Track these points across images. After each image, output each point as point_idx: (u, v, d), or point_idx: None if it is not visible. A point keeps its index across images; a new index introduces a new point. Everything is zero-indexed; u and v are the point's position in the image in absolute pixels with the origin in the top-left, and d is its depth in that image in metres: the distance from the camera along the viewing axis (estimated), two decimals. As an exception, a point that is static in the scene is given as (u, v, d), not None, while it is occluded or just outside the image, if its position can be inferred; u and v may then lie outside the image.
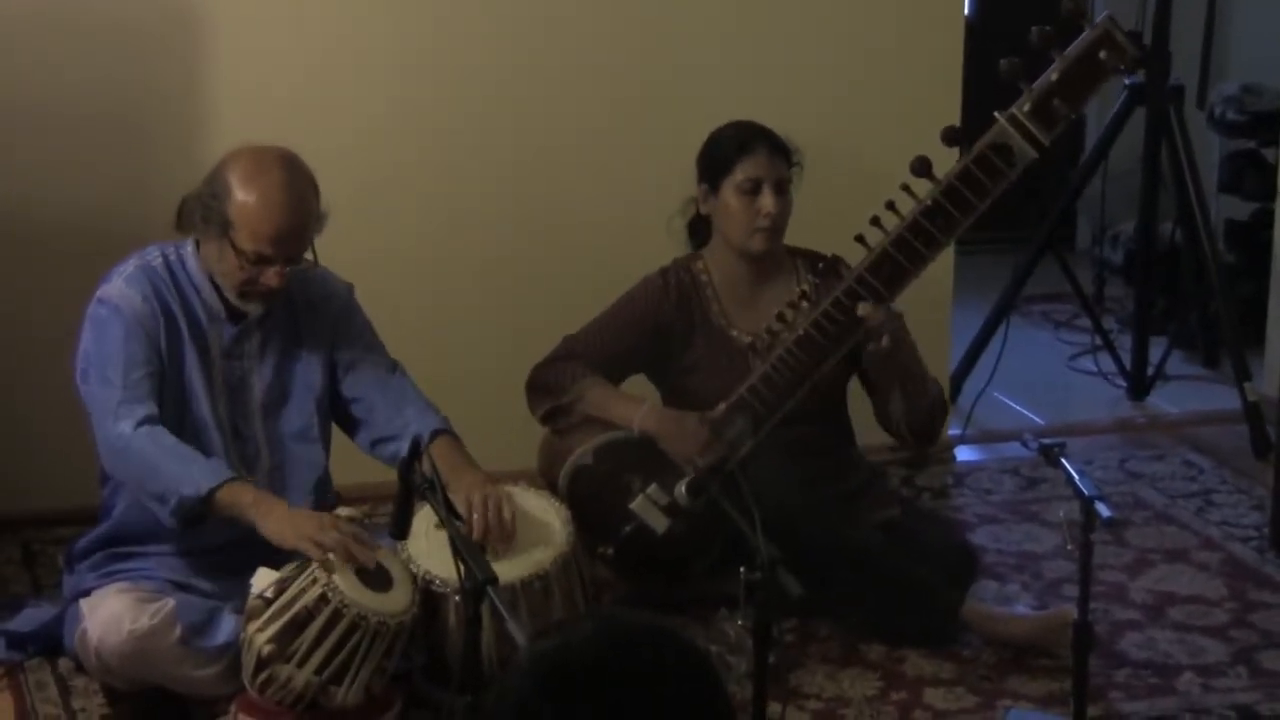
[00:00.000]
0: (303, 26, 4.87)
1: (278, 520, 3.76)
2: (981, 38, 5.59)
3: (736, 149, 4.38)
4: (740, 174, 4.37)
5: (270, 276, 3.86)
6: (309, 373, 4.06)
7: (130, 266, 3.96)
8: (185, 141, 4.78)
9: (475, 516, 3.86)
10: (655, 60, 5.11)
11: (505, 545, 3.89)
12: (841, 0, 5.22)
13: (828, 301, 4.18)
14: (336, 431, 4.16)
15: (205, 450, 3.88)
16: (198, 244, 3.95)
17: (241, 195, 3.83)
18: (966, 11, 5.52)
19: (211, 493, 3.75)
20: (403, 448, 3.55)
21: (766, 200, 4.37)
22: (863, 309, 4.13)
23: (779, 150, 4.40)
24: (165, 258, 3.98)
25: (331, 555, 3.69)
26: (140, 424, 3.80)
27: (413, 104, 4.97)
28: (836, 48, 5.23)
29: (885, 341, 4.16)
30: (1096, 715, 3.89)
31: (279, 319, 4.03)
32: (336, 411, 4.14)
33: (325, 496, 4.08)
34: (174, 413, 3.91)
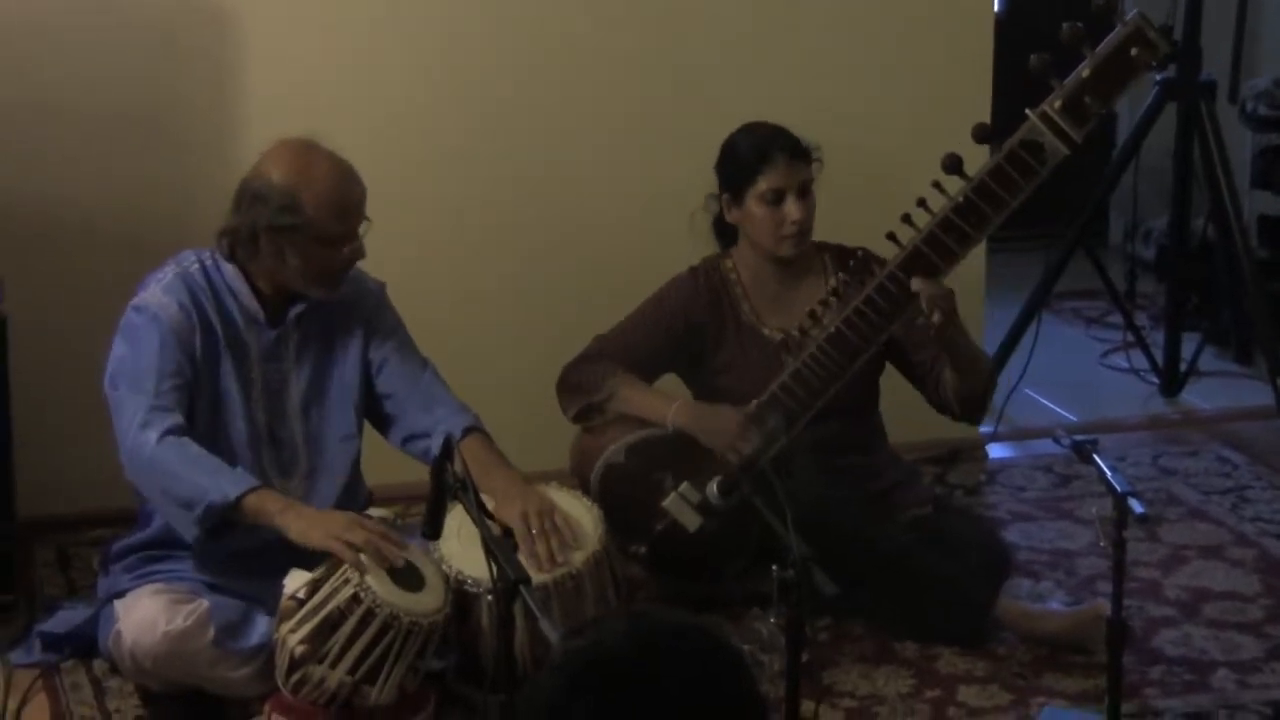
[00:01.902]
0: (330, 28, 4.88)
1: (305, 523, 3.76)
2: (1011, 33, 5.58)
3: (757, 159, 4.35)
4: (763, 184, 4.35)
5: (356, 249, 3.92)
6: (345, 373, 4.07)
7: (168, 274, 3.96)
8: (216, 141, 4.80)
9: (535, 532, 3.87)
10: (681, 58, 5.11)
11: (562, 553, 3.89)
12: (871, -3, 5.22)
13: (859, 299, 4.17)
14: (369, 432, 4.16)
15: (239, 457, 3.89)
16: (244, 270, 3.95)
17: (309, 191, 3.85)
18: (996, 7, 5.50)
19: (239, 499, 3.75)
20: (434, 445, 3.55)
21: (791, 208, 4.35)
22: (915, 284, 4.11)
23: (798, 154, 4.37)
24: (202, 264, 3.98)
25: (362, 556, 3.70)
26: (166, 433, 3.80)
27: (439, 104, 4.97)
28: (865, 44, 5.22)
29: (937, 318, 4.13)
30: (1131, 712, 3.88)
31: (315, 320, 4.04)
32: (369, 408, 4.14)
33: (357, 496, 4.09)
34: (208, 421, 3.92)
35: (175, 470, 3.78)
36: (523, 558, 3.71)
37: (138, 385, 3.86)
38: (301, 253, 3.88)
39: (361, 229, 3.93)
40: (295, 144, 3.90)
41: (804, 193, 4.37)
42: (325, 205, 3.85)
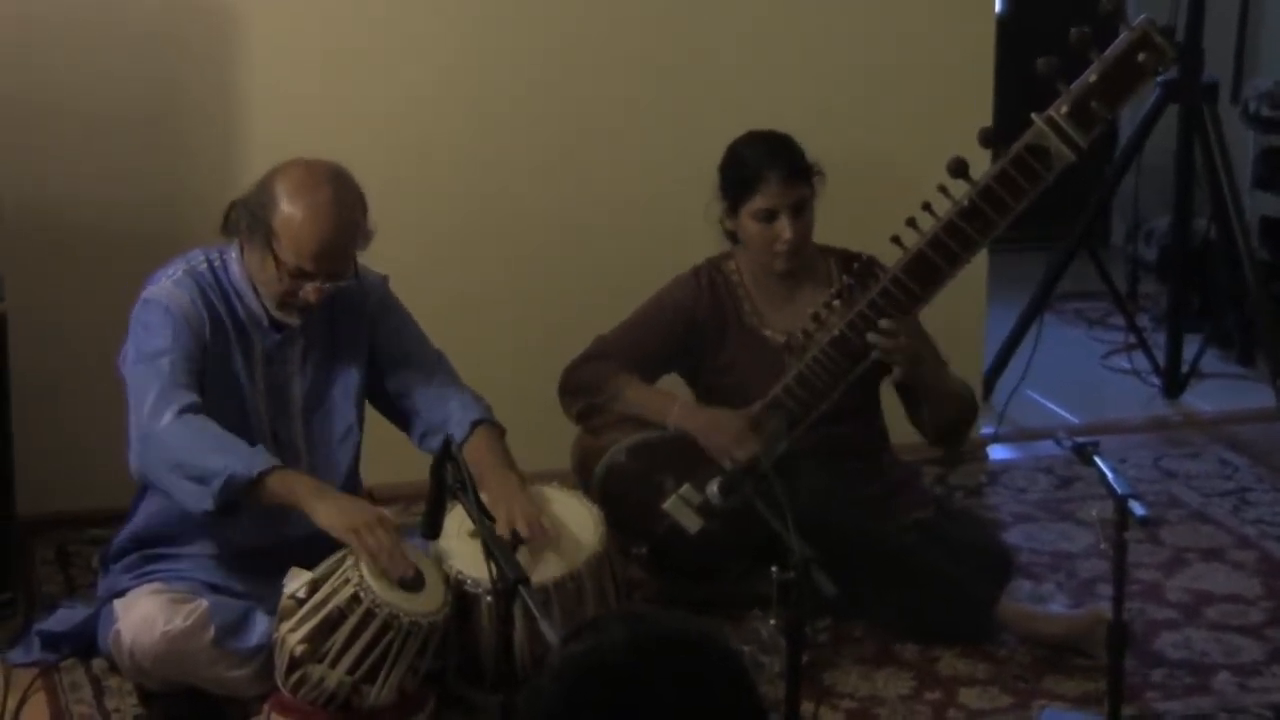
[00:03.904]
0: (331, 27, 4.88)
1: (330, 507, 3.75)
2: (1013, 34, 5.57)
3: (752, 175, 4.34)
4: (756, 203, 4.34)
5: (309, 292, 3.85)
6: (348, 374, 4.06)
7: (178, 271, 3.96)
8: (218, 142, 4.81)
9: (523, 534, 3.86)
10: (683, 58, 5.10)
11: (545, 548, 3.89)
12: (871, -2, 5.22)
13: (864, 303, 4.16)
14: (373, 429, 4.15)
15: None
16: (241, 249, 3.95)
17: (288, 208, 3.81)
18: (998, 8, 5.49)
19: (263, 475, 3.73)
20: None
21: (783, 228, 4.34)
22: (872, 339, 4.14)
23: (794, 173, 4.34)
24: (210, 262, 3.98)
25: (370, 555, 3.69)
26: (184, 410, 3.79)
27: (441, 101, 4.97)
28: (866, 45, 5.21)
29: (897, 374, 4.20)
30: (1132, 715, 3.88)
31: (319, 322, 4.02)
32: (386, 408, 4.13)
33: (356, 495, 4.07)
34: (222, 414, 3.88)
35: (193, 445, 3.76)
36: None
37: (153, 365, 3.85)
38: (261, 258, 3.86)
39: (331, 281, 3.86)
40: (319, 165, 3.86)
41: (798, 211, 4.34)
42: (288, 228, 3.80)
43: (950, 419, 4.38)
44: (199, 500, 3.75)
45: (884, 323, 4.13)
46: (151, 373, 3.84)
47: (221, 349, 3.94)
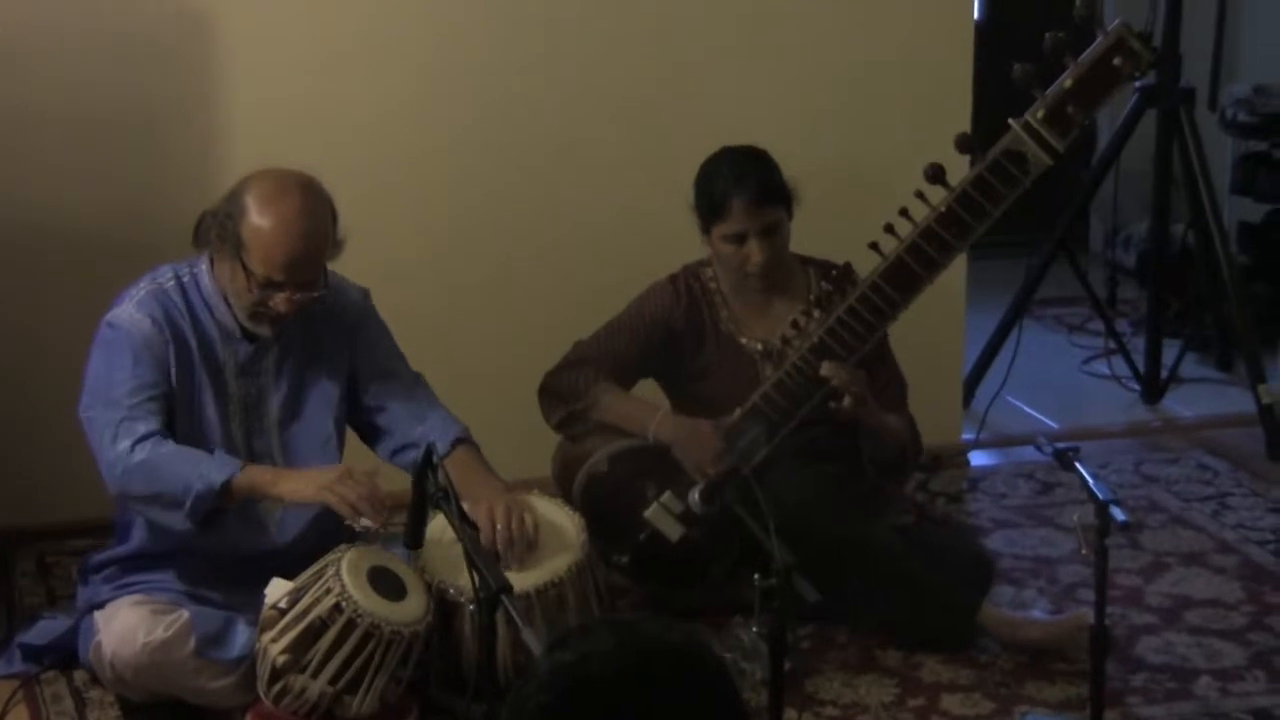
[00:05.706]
0: (314, 33, 4.87)
1: (293, 480, 3.78)
2: (991, 40, 5.58)
3: (720, 200, 4.31)
4: (724, 227, 4.33)
5: (280, 302, 3.84)
6: (325, 386, 4.05)
7: (142, 290, 3.94)
8: (198, 148, 4.79)
9: (499, 528, 3.86)
10: (666, 64, 5.10)
11: (529, 554, 3.89)
12: (851, 4, 5.21)
13: (842, 308, 4.17)
14: (351, 441, 4.15)
15: None
16: (212, 262, 3.94)
17: (256, 218, 3.80)
18: (976, 14, 5.50)
19: (225, 484, 3.74)
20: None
21: (753, 252, 4.32)
22: (825, 369, 4.14)
23: (764, 196, 4.31)
24: (178, 278, 3.96)
25: (354, 516, 3.71)
26: (138, 441, 3.79)
27: (424, 109, 4.96)
28: (845, 51, 5.21)
29: (848, 402, 4.18)
30: (1114, 720, 3.89)
31: (295, 332, 4.01)
32: (358, 421, 4.12)
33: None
34: (186, 436, 3.88)
35: (154, 472, 3.77)
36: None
37: (110, 402, 3.84)
38: (231, 268, 3.85)
39: (318, 286, 3.87)
40: (288, 175, 3.85)
41: (768, 233, 4.32)
42: (256, 238, 3.79)
43: (888, 459, 4.41)
44: (177, 522, 3.78)
45: (827, 367, 4.15)
46: (108, 409, 3.84)
47: (187, 368, 3.92)
